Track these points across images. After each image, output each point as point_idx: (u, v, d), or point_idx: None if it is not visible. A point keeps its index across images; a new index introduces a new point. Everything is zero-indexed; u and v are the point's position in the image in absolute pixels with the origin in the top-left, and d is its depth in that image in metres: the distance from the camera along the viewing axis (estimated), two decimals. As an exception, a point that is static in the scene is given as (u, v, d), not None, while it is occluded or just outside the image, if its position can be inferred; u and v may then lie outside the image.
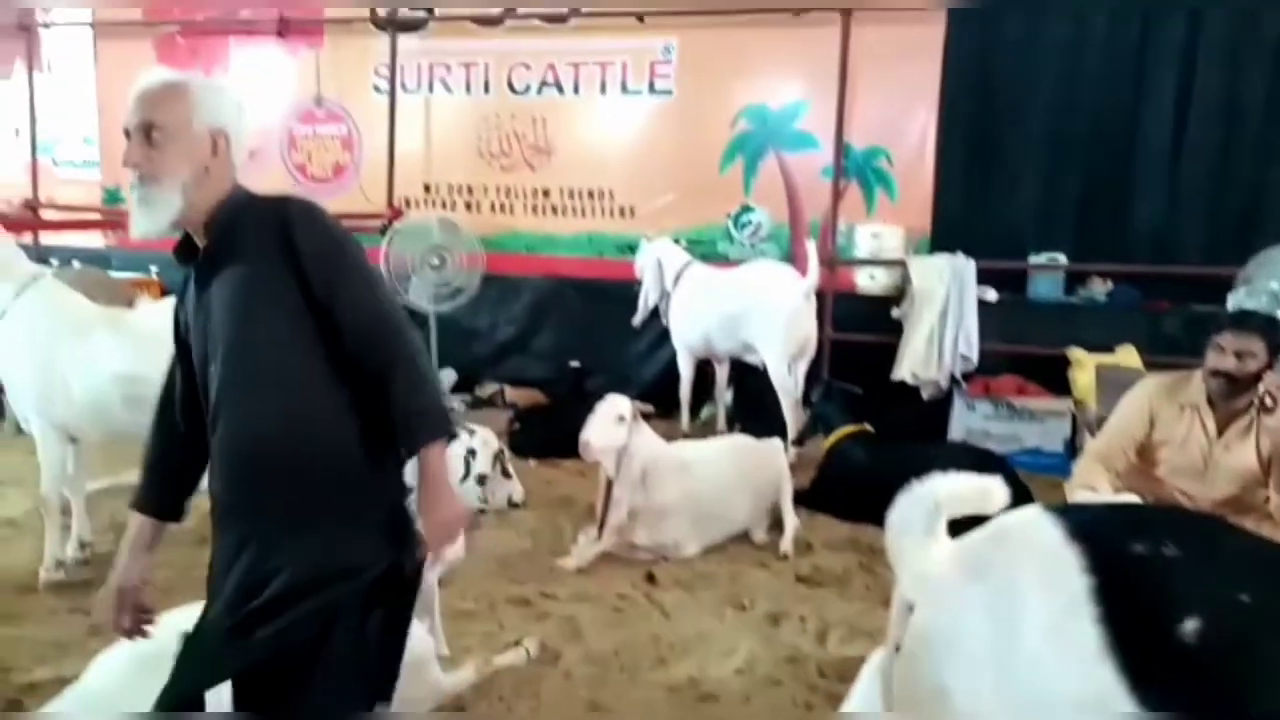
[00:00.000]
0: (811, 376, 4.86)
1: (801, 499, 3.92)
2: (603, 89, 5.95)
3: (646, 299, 5.19)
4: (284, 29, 6.43)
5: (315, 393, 1.64)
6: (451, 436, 1.69)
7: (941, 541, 1.43)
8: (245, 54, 6.64)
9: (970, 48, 5.32)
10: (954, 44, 5.30)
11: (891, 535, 1.46)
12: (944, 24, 5.29)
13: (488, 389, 5.85)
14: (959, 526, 1.46)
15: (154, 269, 6.15)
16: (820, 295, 5.23)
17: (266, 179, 6.57)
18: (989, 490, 1.48)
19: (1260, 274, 4.35)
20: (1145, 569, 1.24)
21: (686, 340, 5.08)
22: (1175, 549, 1.25)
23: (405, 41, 6.21)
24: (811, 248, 4.67)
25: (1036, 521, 1.35)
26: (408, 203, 6.29)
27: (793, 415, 4.59)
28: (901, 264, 5.19)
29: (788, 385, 4.63)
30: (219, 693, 1.64)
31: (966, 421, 4.91)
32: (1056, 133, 5.24)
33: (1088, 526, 1.31)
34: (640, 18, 5.73)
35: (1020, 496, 3.59)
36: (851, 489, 3.88)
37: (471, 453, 3.70)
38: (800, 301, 4.58)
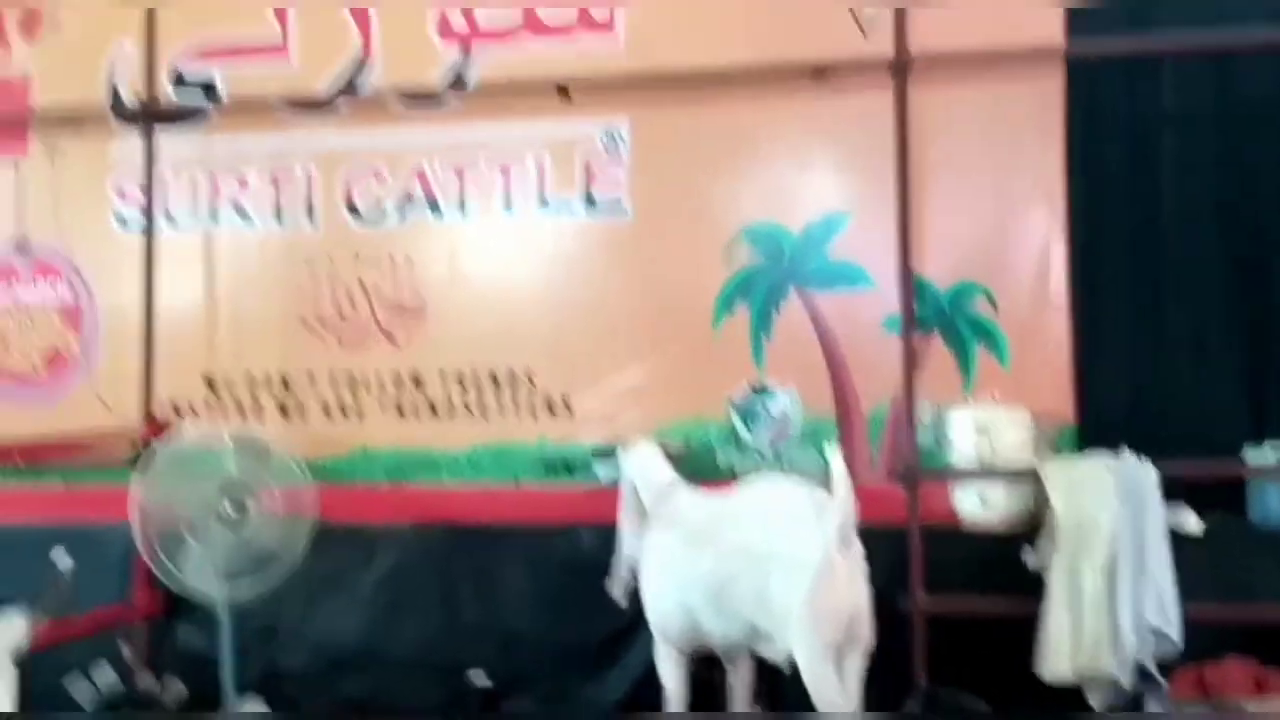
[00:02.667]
0: (888, 680, 4.70)
1: None
2: (507, 204, 6.06)
3: (625, 551, 5.16)
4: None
5: None
6: None
7: None
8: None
9: (1113, 111, 5.51)
10: (1082, 108, 5.49)
11: None
12: (1062, 78, 5.48)
13: (323, 731, 5.64)
14: None
15: None
16: (895, 535, 5.22)
17: (-70, 381, 6.52)
18: None
19: None
20: None
21: (663, 624, 4.97)
22: None
23: (171, 142, 6.32)
24: (836, 455, 4.58)
25: None
26: (178, 410, 6.25)
27: None
28: (1032, 475, 5.15)
29: (833, 696, 4.47)
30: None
31: (1173, 745, 4.77)
32: (1274, 247, 5.39)
33: None
34: (565, 91, 5.87)
35: None
36: None
37: None
38: (825, 549, 4.47)
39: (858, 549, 4.56)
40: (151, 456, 5.61)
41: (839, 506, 4.46)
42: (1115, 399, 5.46)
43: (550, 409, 5.97)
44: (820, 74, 5.64)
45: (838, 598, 4.48)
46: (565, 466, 5.87)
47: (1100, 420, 5.39)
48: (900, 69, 5.50)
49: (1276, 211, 5.42)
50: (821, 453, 5.46)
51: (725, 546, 4.72)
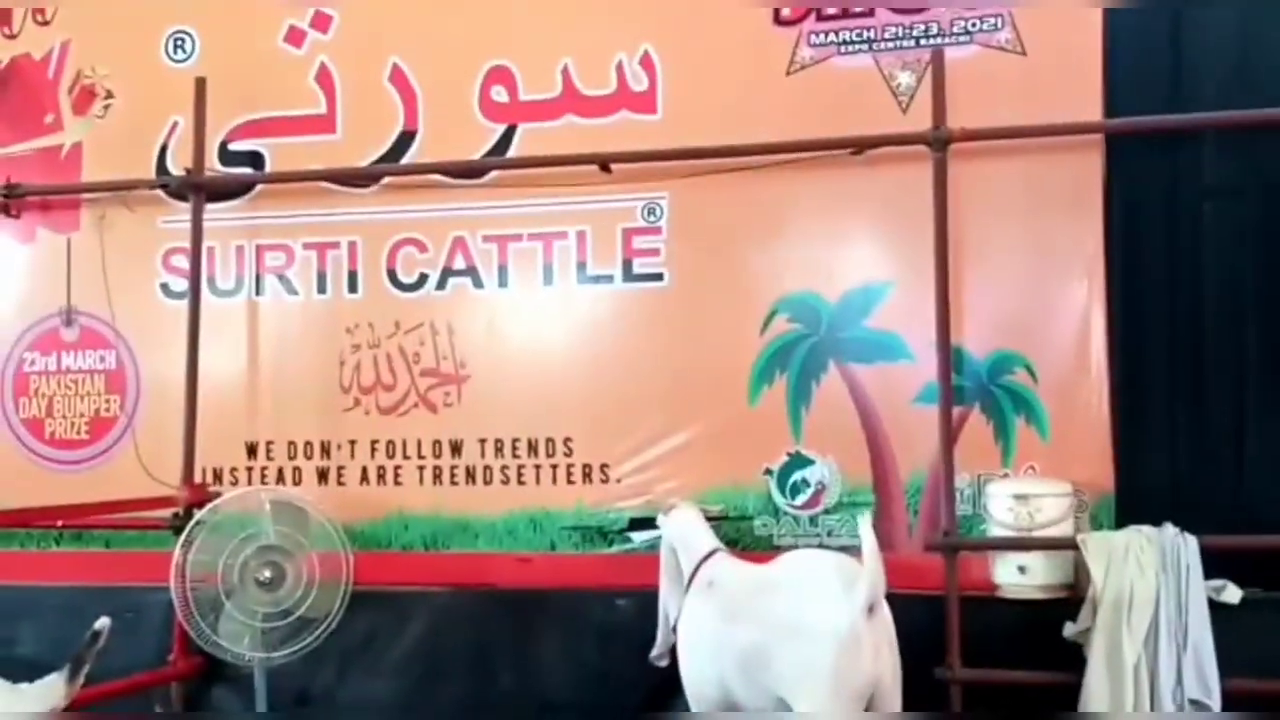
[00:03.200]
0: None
1: None
2: (547, 276, 6.10)
3: (667, 615, 5.15)
4: (12, 202, 6.62)
5: None
6: None
7: None
8: (-53, 243, 6.80)
9: (1151, 185, 5.54)
10: (1121, 182, 5.52)
11: None
12: (1101, 153, 5.52)
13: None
14: None
15: None
16: (933, 604, 5.21)
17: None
18: None
19: None
20: None
21: (698, 695, 4.94)
22: None
23: (217, 214, 6.40)
24: (866, 524, 4.57)
25: None
26: (219, 476, 6.30)
27: None
28: (1072, 546, 5.13)
29: None
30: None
31: (1217, 823, 4.70)
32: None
33: None
34: (605, 165, 5.93)
35: None
36: None
37: None
38: (854, 618, 4.46)
39: (886, 619, 4.53)
40: (191, 522, 5.68)
41: (868, 577, 4.46)
42: (1155, 471, 5.43)
43: (587, 476, 5.98)
44: (859, 149, 5.69)
45: (860, 669, 4.46)
46: (602, 533, 5.88)
47: (1140, 492, 5.36)
48: (939, 144, 5.51)
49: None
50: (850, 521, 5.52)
51: (758, 619, 4.69)
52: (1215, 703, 4.78)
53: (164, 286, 6.50)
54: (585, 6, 6.09)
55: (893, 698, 4.58)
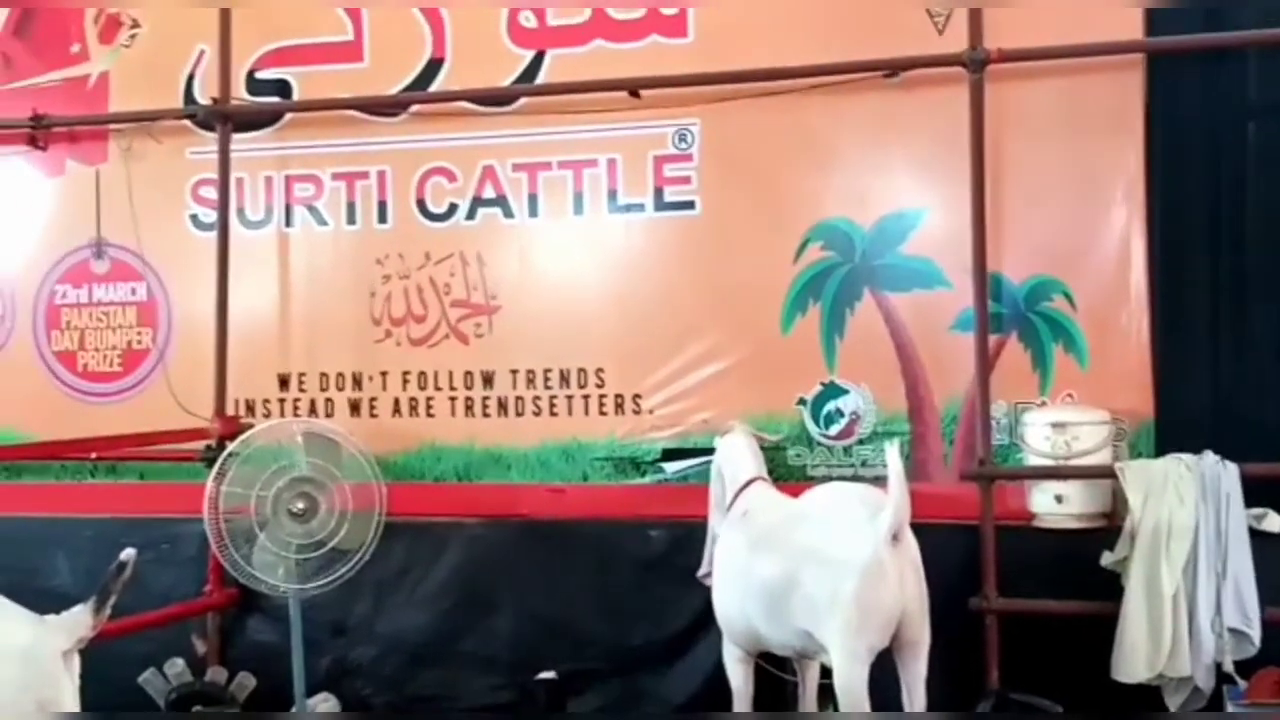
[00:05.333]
0: (964, 686, 4.72)
1: None
2: (578, 205, 6.09)
3: (714, 536, 5.23)
4: (40, 134, 6.63)
5: None
6: None
7: None
8: (-20, 175, 6.84)
9: (1190, 108, 5.48)
10: (1161, 103, 5.46)
11: None
12: (1142, 71, 5.46)
13: (391, 731, 5.70)
14: None
15: None
16: (969, 533, 5.25)
17: (10, 378, 6.66)
18: None
19: None
20: None
21: (728, 625, 5.02)
22: None
23: (245, 144, 6.41)
24: (893, 452, 4.57)
25: None
26: (251, 408, 6.35)
27: None
28: (1110, 474, 5.13)
29: (860, 701, 4.46)
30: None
31: (1254, 750, 4.71)
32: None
33: None
34: (634, 92, 5.89)
35: None
36: None
37: None
38: (877, 548, 4.46)
39: (911, 547, 4.55)
40: (224, 453, 5.73)
41: (891, 505, 4.45)
42: (1196, 399, 5.42)
43: (619, 407, 5.99)
44: (893, 71, 5.63)
45: (885, 598, 4.47)
46: (634, 464, 5.91)
47: (1180, 420, 5.36)
48: (976, 65, 5.45)
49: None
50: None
51: (783, 550, 4.73)
52: (1255, 632, 4.77)
53: (193, 218, 6.53)
54: (614, -70, 6.03)
55: (920, 626, 4.60)
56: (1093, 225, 5.52)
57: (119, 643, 5.10)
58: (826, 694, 4.93)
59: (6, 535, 6.19)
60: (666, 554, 5.61)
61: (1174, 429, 5.33)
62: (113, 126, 6.62)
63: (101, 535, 5.83)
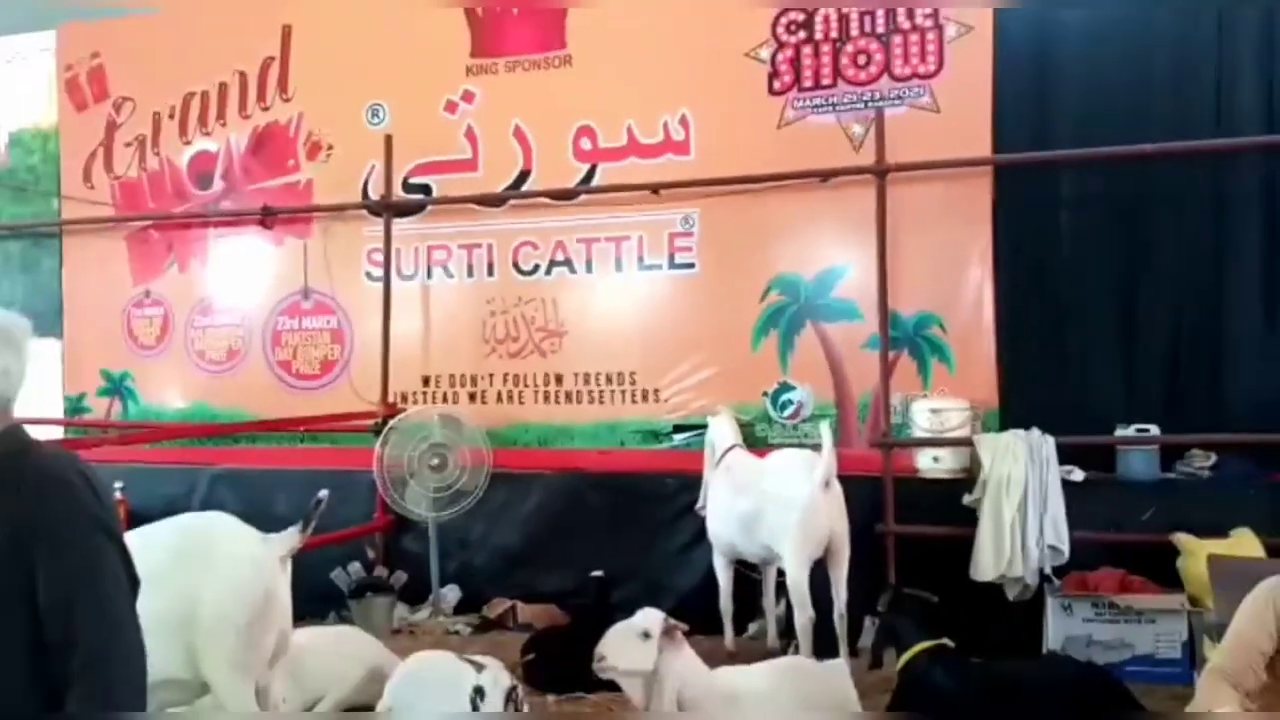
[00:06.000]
0: (872, 583, 4.69)
1: (876, 733, 3.70)
2: (618, 265, 6.10)
3: (706, 484, 5.22)
4: (268, 219, 6.70)
5: (15, 678, 1.67)
6: None
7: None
8: (226, 246, 6.91)
9: (1023, 200, 5.46)
10: (1004, 198, 5.44)
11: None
12: (990, 177, 5.45)
13: (496, 607, 5.67)
14: None
15: (118, 486, 6.16)
16: (875, 482, 5.22)
17: (248, 379, 6.74)
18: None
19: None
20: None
21: (718, 540, 5.04)
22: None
23: (401, 226, 6.45)
24: (825, 428, 4.71)
25: None
26: (404, 398, 6.34)
27: (805, 635, 4.52)
28: (969, 443, 5.12)
29: (803, 596, 4.53)
30: None
31: (1064, 627, 4.65)
32: (1132, 288, 5.32)
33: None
34: (656, 190, 5.92)
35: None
36: (934, 718, 3.65)
37: (479, 692, 3.57)
38: (814, 491, 4.51)
39: (837, 491, 4.62)
40: (386, 427, 5.80)
41: (823, 462, 4.52)
42: (1027, 392, 5.38)
43: (645, 397, 5.99)
44: (825, 177, 5.66)
45: (819, 525, 4.54)
46: (655, 435, 5.93)
47: (1016, 407, 5.33)
48: (880, 173, 5.47)
49: (1139, 264, 5.36)
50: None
51: (753, 493, 4.78)
52: (1065, 547, 4.74)
53: (367, 273, 6.56)
54: (643, 84, 6.02)
55: (843, 543, 4.65)
56: (958, 278, 5.49)
57: (317, 552, 5.14)
58: (781, 588, 4.98)
59: (244, 481, 6.23)
60: (675, 495, 5.59)
61: (1012, 413, 5.31)
62: (315, 214, 6.69)
63: (306, 481, 5.82)
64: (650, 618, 3.38)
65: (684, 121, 5.97)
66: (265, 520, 3.65)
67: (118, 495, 6.07)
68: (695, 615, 5.12)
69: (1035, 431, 4.94)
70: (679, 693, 3.31)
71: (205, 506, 5.75)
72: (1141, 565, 4.70)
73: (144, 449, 6.60)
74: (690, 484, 5.43)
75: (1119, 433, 5.08)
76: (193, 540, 3.38)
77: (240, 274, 6.87)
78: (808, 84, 5.75)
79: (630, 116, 6.05)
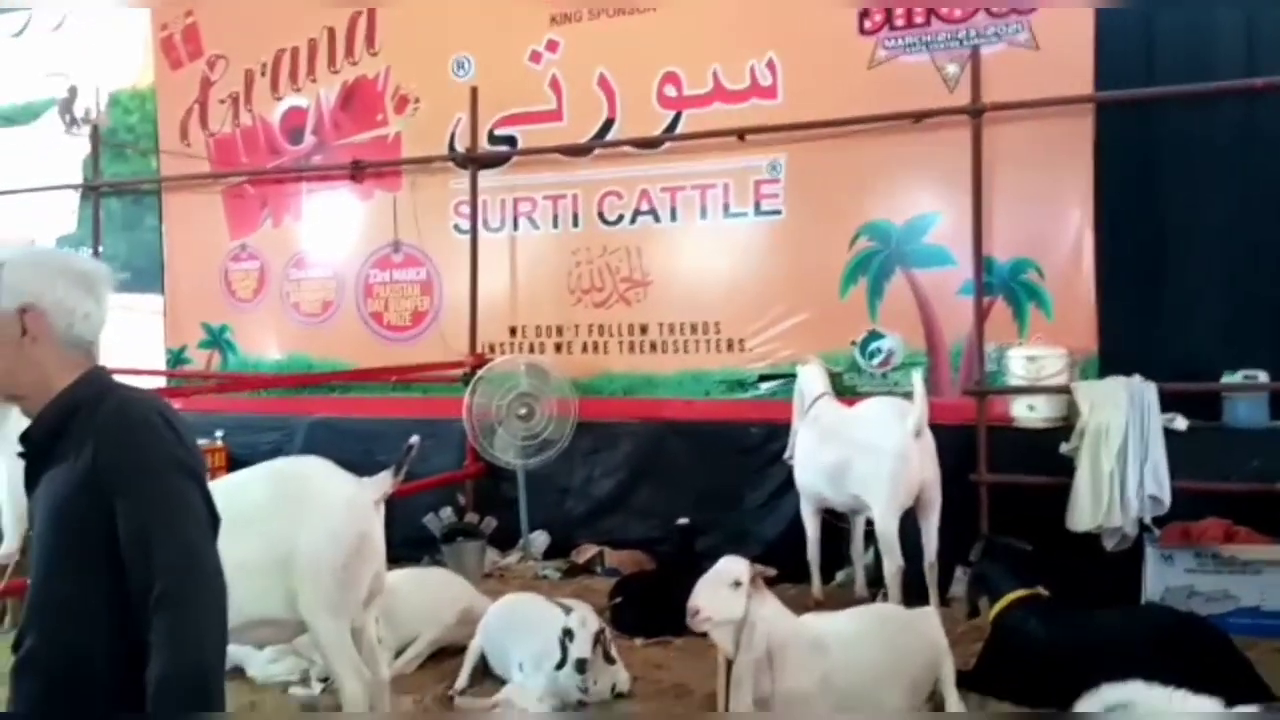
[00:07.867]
0: (964, 533, 4.65)
1: (966, 680, 3.66)
2: (703, 213, 6.05)
3: (795, 432, 5.19)
4: (358, 173, 6.79)
5: (98, 631, 1.69)
6: (204, 707, 1.66)
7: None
8: (318, 201, 7.04)
9: (1126, 140, 5.26)
10: (1105, 138, 5.24)
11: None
12: (1091, 116, 5.24)
13: (584, 553, 5.76)
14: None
15: (219, 434, 6.38)
16: (968, 431, 5.14)
17: (342, 330, 6.90)
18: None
19: None
20: None
21: (806, 489, 5.02)
22: None
23: (487, 178, 6.49)
24: (917, 376, 4.64)
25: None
26: (492, 348, 6.42)
27: (894, 583, 4.49)
28: (1066, 391, 4.99)
29: (892, 545, 4.50)
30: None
31: (1164, 578, 4.54)
32: (1240, 230, 5.09)
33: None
34: (741, 136, 5.84)
35: (1239, 670, 3.31)
36: (1027, 667, 3.60)
37: (568, 634, 3.63)
38: (905, 440, 4.45)
39: (929, 440, 4.57)
40: (475, 377, 5.89)
41: (915, 411, 4.45)
42: (1127, 338, 5.21)
43: (730, 346, 5.95)
44: (918, 118, 5.51)
45: (910, 474, 4.51)
46: (740, 384, 5.90)
47: (1116, 353, 5.17)
48: (976, 113, 5.32)
49: (1246, 204, 5.11)
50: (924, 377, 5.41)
51: (842, 442, 4.75)
52: (1166, 497, 4.62)
53: (455, 226, 6.62)
54: (728, 29, 5.93)
55: (934, 493, 4.61)
56: (1057, 222, 5.32)
57: (411, 498, 5.31)
58: (869, 537, 4.94)
59: (341, 429, 6.38)
60: (761, 444, 5.59)
61: (1112, 360, 5.15)
62: (404, 167, 6.76)
63: (399, 430, 5.91)
64: (738, 565, 3.38)
65: (771, 65, 5.86)
66: (360, 467, 3.71)
67: (219, 443, 6.31)
68: (781, 563, 5.12)
69: (1136, 378, 4.80)
70: (769, 640, 3.31)
71: (303, 453, 5.81)
72: (1248, 515, 4.57)
73: (243, 398, 6.83)
74: (776, 433, 5.41)
75: (1225, 379, 4.92)
76: (289, 484, 3.44)
77: (332, 228, 7.01)
78: (899, 23, 5.59)
79: (716, 62, 5.97)
